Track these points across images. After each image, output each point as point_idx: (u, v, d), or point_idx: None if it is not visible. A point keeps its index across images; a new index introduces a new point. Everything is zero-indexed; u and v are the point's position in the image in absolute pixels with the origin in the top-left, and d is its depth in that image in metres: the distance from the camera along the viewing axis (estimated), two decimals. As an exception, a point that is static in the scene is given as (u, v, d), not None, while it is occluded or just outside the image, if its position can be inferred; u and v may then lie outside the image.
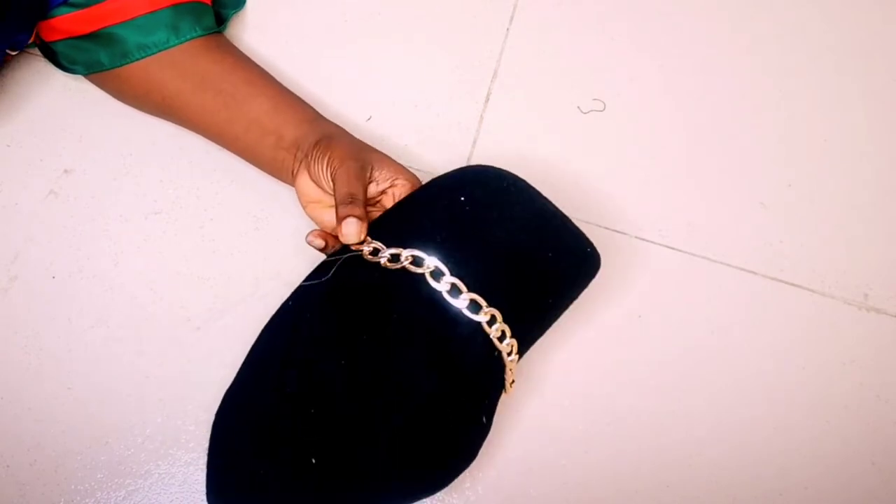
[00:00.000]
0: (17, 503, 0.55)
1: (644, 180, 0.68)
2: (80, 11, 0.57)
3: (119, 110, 0.64)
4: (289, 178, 0.58)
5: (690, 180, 0.68)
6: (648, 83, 0.71)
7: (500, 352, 0.49)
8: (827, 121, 0.71)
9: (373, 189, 0.54)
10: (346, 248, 0.51)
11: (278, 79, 0.62)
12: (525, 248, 0.50)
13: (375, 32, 0.70)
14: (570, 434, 0.60)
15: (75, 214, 0.62)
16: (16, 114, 0.64)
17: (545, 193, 0.54)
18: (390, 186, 0.55)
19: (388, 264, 0.49)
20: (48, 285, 0.60)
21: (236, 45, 0.63)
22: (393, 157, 0.56)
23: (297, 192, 0.57)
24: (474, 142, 0.68)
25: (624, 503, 0.59)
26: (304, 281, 0.52)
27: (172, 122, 0.62)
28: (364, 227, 0.50)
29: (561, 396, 0.61)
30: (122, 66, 0.58)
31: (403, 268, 0.48)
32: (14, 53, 0.63)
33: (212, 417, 0.50)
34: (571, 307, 0.54)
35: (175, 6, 0.58)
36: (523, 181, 0.53)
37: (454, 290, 0.48)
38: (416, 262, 0.48)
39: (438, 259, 0.48)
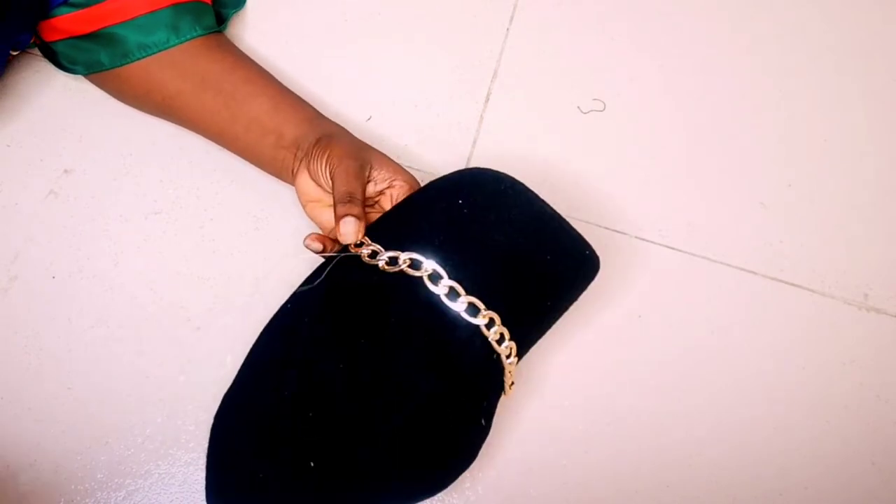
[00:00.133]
0: (18, 503, 0.55)
1: (644, 180, 0.68)
2: (81, 11, 0.57)
3: (119, 110, 0.64)
4: (289, 177, 0.58)
5: (690, 180, 0.68)
6: (648, 83, 0.71)
7: (498, 354, 0.49)
8: (827, 121, 0.71)
9: (371, 189, 0.54)
10: (344, 250, 0.51)
11: (278, 78, 0.62)
12: (523, 251, 0.50)
13: (375, 32, 0.70)
14: (570, 434, 0.60)
15: (75, 214, 0.62)
16: (16, 114, 0.64)
17: (545, 193, 0.53)
18: (388, 187, 0.55)
19: (387, 267, 0.49)
20: (48, 285, 0.60)
21: (236, 44, 0.63)
22: (393, 157, 0.56)
23: (297, 191, 0.57)
24: (474, 142, 0.68)
25: (624, 503, 0.59)
26: (303, 283, 0.52)
27: (173, 121, 0.62)
28: (362, 227, 0.50)
29: (561, 397, 0.61)
30: (122, 65, 0.58)
31: (402, 271, 0.48)
32: (15, 53, 0.63)
33: (212, 417, 0.50)
34: (571, 308, 0.54)
35: (175, 6, 0.58)
36: (521, 184, 0.53)
37: (452, 293, 0.47)
38: (415, 265, 0.48)
39: (437, 262, 0.48)
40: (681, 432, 0.61)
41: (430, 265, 0.48)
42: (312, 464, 0.47)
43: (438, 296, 0.47)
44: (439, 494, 0.55)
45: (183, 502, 0.56)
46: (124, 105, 0.64)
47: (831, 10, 0.74)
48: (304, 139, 0.57)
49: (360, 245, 0.50)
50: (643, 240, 0.66)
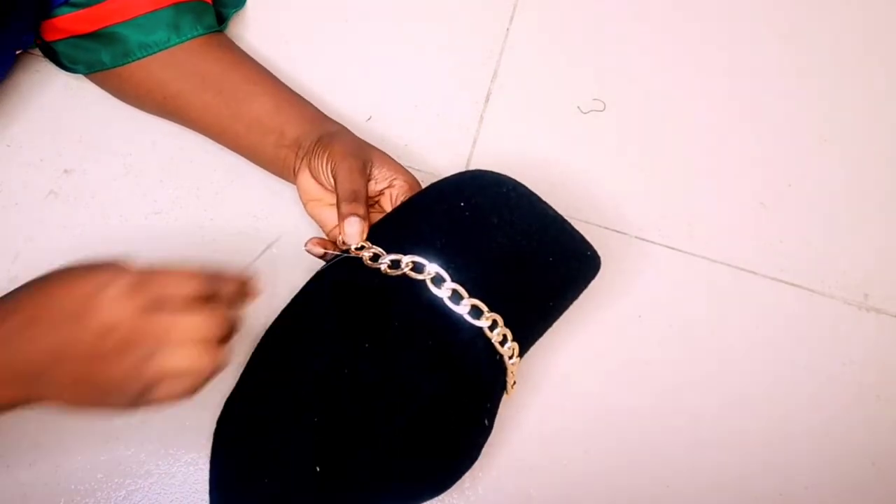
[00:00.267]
0: (18, 503, 0.55)
1: (644, 180, 0.68)
2: (82, 11, 0.57)
3: (119, 110, 0.64)
4: (290, 176, 0.58)
5: (690, 180, 0.68)
6: (648, 83, 0.71)
7: (501, 355, 0.49)
8: (827, 121, 0.71)
9: (372, 187, 0.54)
10: (345, 251, 0.51)
11: (279, 78, 0.62)
12: (526, 253, 0.50)
13: (376, 32, 0.70)
14: (570, 434, 0.60)
15: (75, 214, 0.62)
16: (16, 114, 0.64)
17: (544, 193, 0.54)
18: (388, 186, 0.55)
19: (389, 270, 0.49)
20: (48, 285, 0.60)
21: (237, 44, 0.63)
22: (393, 157, 0.56)
23: (299, 190, 0.57)
24: (474, 142, 0.68)
25: (624, 503, 0.59)
26: (305, 286, 0.52)
27: (174, 121, 0.62)
28: (366, 227, 0.50)
29: (561, 397, 0.61)
30: (123, 65, 0.58)
31: (404, 274, 0.48)
32: (17, 53, 0.63)
33: (213, 417, 0.50)
34: (571, 308, 0.54)
35: (176, 5, 0.58)
36: (523, 186, 0.53)
37: (455, 296, 0.48)
38: (417, 268, 0.48)
39: (439, 265, 0.48)
40: (681, 432, 0.61)
41: (432, 268, 0.48)
42: (318, 468, 0.47)
43: (441, 298, 0.47)
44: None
45: (183, 502, 0.56)
46: (124, 105, 0.64)
47: (832, 10, 0.74)
48: (305, 138, 0.57)
49: (362, 248, 0.50)
50: (643, 240, 0.66)
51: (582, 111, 0.69)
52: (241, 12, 0.68)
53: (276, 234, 0.61)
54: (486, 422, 0.50)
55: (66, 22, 0.57)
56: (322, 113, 0.60)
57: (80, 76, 0.63)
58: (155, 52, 0.58)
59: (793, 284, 0.66)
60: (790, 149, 0.70)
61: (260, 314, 0.53)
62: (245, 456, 0.48)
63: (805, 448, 0.62)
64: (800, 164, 0.69)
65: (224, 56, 0.60)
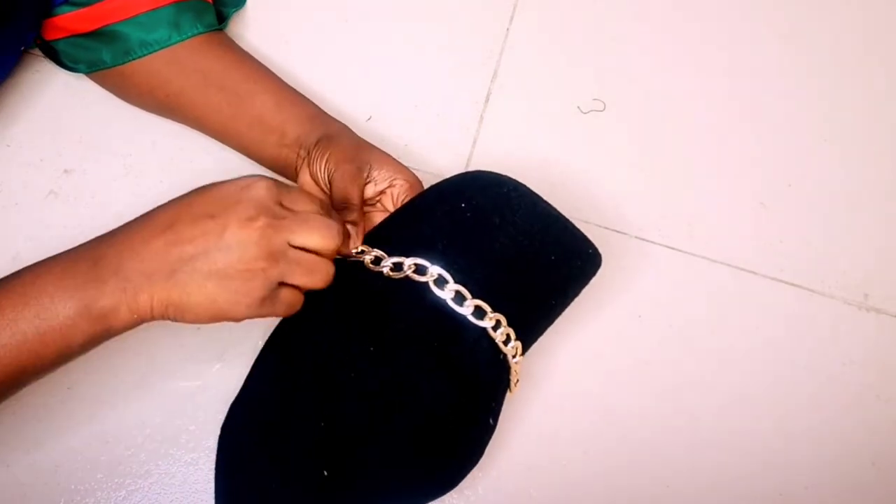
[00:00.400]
0: (18, 503, 0.55)
1: (644, 180, 0.68)
2: (83, 10, 0.57)
3: (119, 110, 0.64)
4: (293, 174, 0.58)
5: (690, 180, 0.68)
6: (648, 83, 0.71)
7: (505, 354, 0.49)
8: (827, 121, 0.71)
9: (371, 190, 0.55)
10: (346, 256, 0.51)
11: (279, 77, 0.62)
12: (528, 253, 0.50)
13: (376, 32, 0.70)
14: (570, 434, 0.60)
15: (75, 214, 0.62)
16: (16, 114, 0.64)
17: (545, 193, 0.54)
18: (389, 186, 0.55)
19: (391, 273, 0.49)
20: (48, 285, 0.60)
21: (237, 43, 0.63)
22: (393, 156, 0.56)
23: (300, 190, 0.57)
24: (474, 142, 0.68)
25: (624, 503, 0.59)
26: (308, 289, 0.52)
27: (175, 119, 0.62)
28: (358, 233, 0.51)
29: (561, 397, 0.61)
30: (124, 63, 0.58)
31: (406, 276, 0.48)
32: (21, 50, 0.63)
33: (212, 417, 0.50)
34: (571, 307, 0.54)
35: (176, 3, 0.58)
36: (524, 186, 0.53)
37: (458, 297, 0.48)
38: (419, 270, 0.48)
39: (441, 267, 0.48)
40: (681, 432, 0.61)
41: (435, 270, 0.48)
42: (326, 473, 0.47)
43: (445, 300, 0.47)
44: (441, 495, 0.55)
45: (183, 502, 0.56)
46: (125, 105, 0.64)
47: (832, 9, 0.74)
48: (305, 138, 0.57)
49: (363, 252, 0.50)
50: (643, 240, 0.66)
51: (582, 111, 0.69)
52: (241, 12, 0.68)
53: None
54: (491, 421, 0.51)
55: (67, 21, 0.57)
56: (323, 111, 0.60)
57: (81, 76, 0.63)
58: (156, 51, 0.58)
59: (793, 284, 0.66)
60: (790, 149, 0.70)
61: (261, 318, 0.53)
62: (250, 460, 0.48)
63: (805, 448, 0.62)
64: (800, 164, 0.69)
65: (225, 55, 0.60)
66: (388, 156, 0.56)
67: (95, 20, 0.57)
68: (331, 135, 0.56)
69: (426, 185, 0.56)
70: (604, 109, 0.70)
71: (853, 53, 0.73)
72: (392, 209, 0.55)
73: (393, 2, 0.71)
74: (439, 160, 0.66)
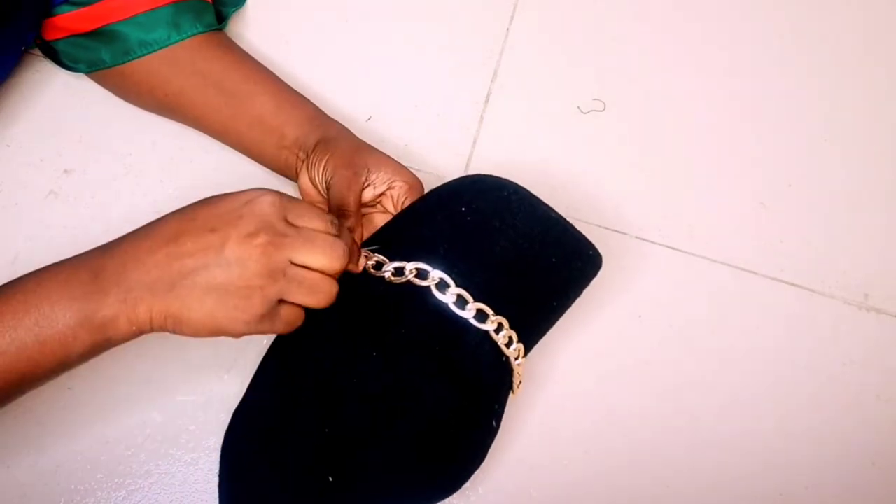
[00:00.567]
0: (18, 503, 0.55)
1: (644, 180, 0.68)
2: (82, 9, 0.57)
3: (119, 110, 0.64)
4: (293, 175, 0.58)
5: (691, 180, 0.68)
6: (648, 83, 0.71)
7: (507, 357, 0.49)
8: (827, 121, 0.71)
9: (370, 193, 0.55)
10: None
11: (279, 77, 0.62)
12: (529, 256, 0.50)
13: (376, 32, 0.70)
14: (570, 434, 0.60)
15: (75, 214, 0.62)
16: (16, 114, 0.64)
17: (545, 194, 0.54)
18: (388, 189, 0.55)
19: (393, 278, 0.49)
20: (48, 285, 0.60)
21: (237, 43, 0.63)
22: (393, 157, 0.56)
23: (300, 192, 0.57)
24: (474, 142, 0.68)
25: (624, 503, 0.59)
26: None
27: (175, 119, 0.62)
28: (357, 239, 0.51)
29: (561, 397, 0.61)
30: (124, 63, 0.58)
31: (408, 281, 0.48)
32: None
33: (212, 418, 0.50)
34: (571, 308, 0.54)
35: (176, 3, 0.58)
36: (524, 189, 0.53)
37: (460, 301, 0.48)
38: (421, 274, 0.48)
39: (442, 271, 0.48)
40: (681, 432, 0.61)
41: (436, 274, 0.48)
42: (331, 478, 0.47)
43: (446, 304, 0.47)
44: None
45: (183, 502, 0.56)
46: (125, 105, 0.64)
47: (832, 9, 0.74)
48: (304, 140, 0.57)
49: (364, 257, 0.50)
50: (643, 240, 0.66)
51: (582, 111, 0.69)
52: (241, 11, 0.68)
53: None
54: (494, 423, 0.51)
55: (67, 20, 0.57)
56: (323, 113, 0.60)
57: (81, 76, 0.63)
58: (155, 51, 0.58)
59: (793, 284, 0.66)
60: (790, 149, 0.70)
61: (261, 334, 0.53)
62: (249, 468, 0.48)
63: (805, 448, 0.62)
64: (800, 164, 0.69)
65: (224, 55, 0.60)
66: (388, 157, 0.56)
67: (95, 20, 0.57)
68: (329, 138, 0.56)
69: (426, 186, 0.56)
70: (604, 109, 0.70)
71: (853, 53, 0.73)
72: (392, 211, 0.55)
73: (393, 2, 0.71)
74: (439, 160, 0.66)
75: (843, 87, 0.72)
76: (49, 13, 0.57)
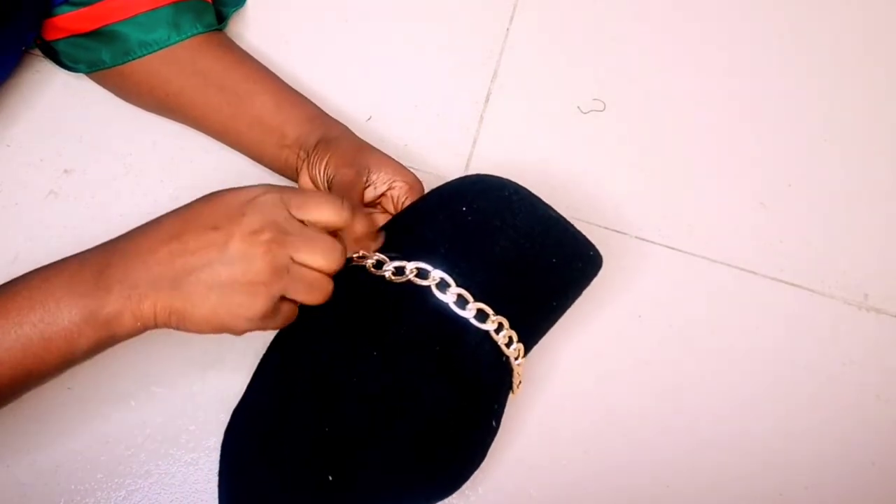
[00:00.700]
0: (18, 503, 0.55)
1: (644, 180, 0.68)
2: (82, 10, 0.57)
3: (120, 110, 0.64)
4: (293, 175, 0.58)
5: (690, 180, 0.68)
6: (648, 83, 0.71)
7: (507, 357, 0.49)
8: (827, 121, 0.71)
9: (370, 193, 0.55)
10: (348, 261, 0.51)
11: (279, 77, 0.62)
12: (529, 256, 0.50)
13: (375, 32, 0.70)
14: (569, 434, 0.60)
15: (75, 214, 0.62)
16: (16, 114, 0.64)
17: (545, 193, 0.54)
18: (388, 189, 0.55)
19: (393, 277, 0.49)
20: (48, 285, 0.60)
21: (237, 43, 0.63)
22: (393, 157, 0.56)
23: (301, 191, 0.57)
24: (474, 142, 0.68)
25: (624, 503, 0.59)
26: None
27: (175, 119, 0.62)
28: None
29: (560, 397, 0.61)
30: (124, 63, 0.58)
31: (408, 280, 0.48)
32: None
33: (212, 417, 0.50)
34: (571, 308, 0.54)
35: (175, 3, 0.58)
36: (525, 189, 0.53)
37: (460, 301, 0.48)
38: (421, 274, 0.48)
39: (443, 270, 0.48)
40: (681, 432, 0.61)
41: (437, 274, 0.48)
42: (331, 477, 0.47)
43: (447, 303, 0.47)
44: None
45: (183, 502, 0.56)
46: (125, 105, 0.64)
47: (832, 9, 0.74)
48: (305, 140, 0.57)
49: (364, 256, 0.50)
50: (643, 240, 0.66)
51: (582, 111, 0.69)
52: (241, 11, 0.68)
53: None
54: (494, 423, 0.51)
55: (67, 21, 0.57)
56: (323, 112, 0.60)
57: (81, 75, 0.63)
58: (155, 51, 0.58)
59: (793, 284, 0.66)
60: (790, 149, 0.70)
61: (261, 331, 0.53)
62: (248, 467, 0.48)
63: (805, 448, 0.62)
64: (800, 164, 0.69)
65: (224, 55, 0.60)
66: (388, 157, 0.56)
67: (95, 20, 0.57)
68: (330, 137, 0.56)
69: (426, 186, 0.56)
70: (604, 109, 0.70)
71: (853, 53, 0.73)
72: (393, 211, 0.55)
73: (393, 2, 0.71)
74: (439, 160, 0.66)
75: (842, 87, 0.72)
76: (49, 13, 0.57)
